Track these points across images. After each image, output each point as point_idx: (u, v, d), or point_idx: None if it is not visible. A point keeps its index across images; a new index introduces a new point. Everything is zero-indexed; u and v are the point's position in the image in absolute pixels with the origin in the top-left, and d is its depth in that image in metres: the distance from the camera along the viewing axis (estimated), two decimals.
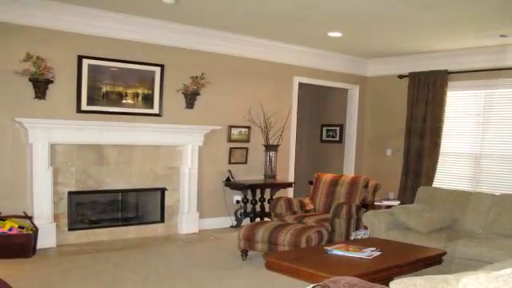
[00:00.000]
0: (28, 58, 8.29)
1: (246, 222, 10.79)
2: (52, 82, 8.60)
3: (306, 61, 12.14)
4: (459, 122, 11.87)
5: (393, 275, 5.47)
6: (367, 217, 8.15)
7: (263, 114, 11.23)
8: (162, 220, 10.11)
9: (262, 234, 7.89)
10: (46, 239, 8.50)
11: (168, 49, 9.94)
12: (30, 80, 8.40)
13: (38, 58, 8.36)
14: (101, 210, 9.78)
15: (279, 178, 11.60)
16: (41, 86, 8.46)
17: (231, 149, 11.00)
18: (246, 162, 11.30)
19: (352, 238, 8.53)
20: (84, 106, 9.00)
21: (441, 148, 11.88)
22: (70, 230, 9.02)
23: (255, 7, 8.48)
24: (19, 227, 8.04)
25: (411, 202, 9.75)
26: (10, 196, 8.41)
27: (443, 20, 8.85)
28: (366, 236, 8.23)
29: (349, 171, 13.43)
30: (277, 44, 11.32)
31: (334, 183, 9.80)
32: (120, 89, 9.38)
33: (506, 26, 9.02)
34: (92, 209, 9.68)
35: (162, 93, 9.87)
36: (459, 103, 11.90)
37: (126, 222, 9.90)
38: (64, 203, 8.92)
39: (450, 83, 11.74)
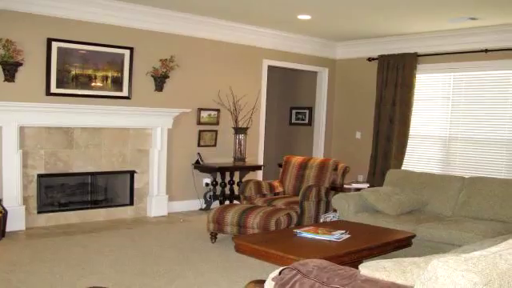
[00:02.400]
0: None
1: (216, 204, 10.83)
2: (21, 64, 8.55)
3: (275, 44, 12.15)
4: (428, 104, 11.96)
5: (362, 258, 5.50)
6: (336, 199, 8.17)
7: (232, 97, 11.23)
8: (132, 203, 10.12)
9: (231, 216, 7.93)
10: (15, 222, 8.47)
11: (137, 32, 9.91)
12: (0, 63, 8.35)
13: (7, 40, 8.30)
14: (70, 193, 9.76)
15: (248, 161, 11.63)
16: (10, 68, 8.41)
17: (200, 131, 11.01)
18: (215, 145, 11.32)
19: (321, 220, 8.59)
20: (53, 89, 8.96)
21: (410, 131, 11.96)
22: (39, 212, 9.00)
23: None
24: None
25: (380, 184, 9.83)
26: None
27: (413, 3, 8.89)
28: (336, 219, 8.28)
29: (318, 154, 13.49)
30: (246, 27, 11.32)
31: (304, 166, 9.84)
32: (89, 72, 9.34)
33: (475, 8, 9.08)
34: (61, 191, 9.65)
35: (131, 76, 9.85)
36: (428, 86, 11.99)
37: (96, 204, 9.89)
38: (33, 186, 8.89)
39: (419, 66, 11.82)
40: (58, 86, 9.00)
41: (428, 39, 11.54)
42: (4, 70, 8.41)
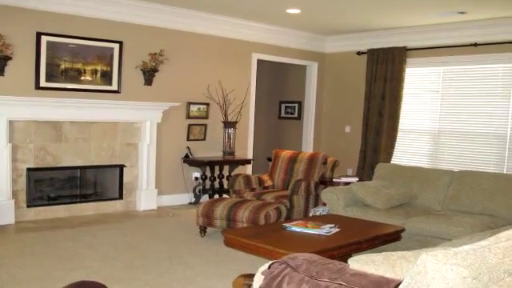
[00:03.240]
0: None
1: (205, 198, 10.84)
2: (11, 58, 8.54)
3: (264, 38, 12.16)
4: (418, 98, 12.00)
5: (351, 252, 5.49)
6: (326, 193, 8.17)
7: (222, 91, 11.24)
8: (121, 197, 10.13)
9: (220, 210, 7.95)
10: (5, 216, 8.48)
11: (127, 26, 9.90)
12: None
13: None
14: (59, 187, 9.74)
15: (238, 155, 11.64)
16: None
17: (190, 125, 11.01)
18: (204, 139, 11.32)
19: (311, 214, 8.59)
20: (43, 83, 8.94)
21: (399, 125, 11.98)
22: (28, 206, 9.00)
23: None
24: None
25: (370, 178, 9.85)
26: None
27: None
28: (325, 213, 8.27)
29: (307, 148, 13.52)
30: (235, 21, 11.32)
31: (293, 160, 9.85)
32: (79, 65, 9.33)
33: (464, 2, 9.10)
34: (51, 185, 9.64)
35: (120, 70, 9.84)
36: (418, 80, 12.02)
37: (85, 198, 9.89)
38: (23, 180, 8.89)
39: (408, 60, 11.85)
40: (47, 80, 8.98)
41: (417, 33, 11.56)
42: None
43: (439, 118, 11.60)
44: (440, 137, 11.60)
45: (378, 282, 3.16)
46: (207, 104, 11.18)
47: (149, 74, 10.15)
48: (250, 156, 12.27)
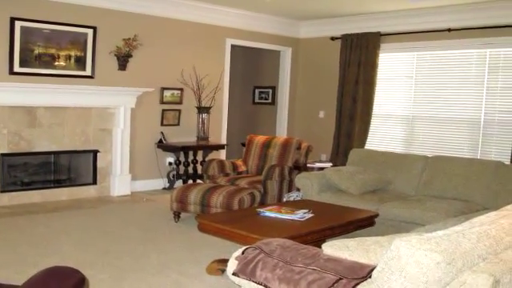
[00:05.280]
0: None
1: (179, 183, 10.85)
2: None
3: (238, 23, 12.15)
4: (392, 84, 12.06)
5: (325, 237, 5.53)
6: (300, 179, 8.19)
7: (196, 76, 11.22)
8: (95, 182, 10.11)
9: (194, 195, 7.96)
10: None
11: (101, 11, 9.84)
12: None
13: None
14: (33, 172, 9.70)
15: (212, 140, 11.66)
16: None
17: (164, 111, 11.00)
18: (178, 124, 11.32)
19: (284, 199, 8.62)
20: (17, 68, 8.89)
21: (373, 110, 12.03)
22: (2, 191, 8.96)
23: None
24: None
25: (344, 164, 9.89)
26: None
27: None
28: (299, 198, 8.29)
29: (281, 133, 13.54)
30: (209, 6, 11.29)
31: (267, 145, 9.88)
32: (53, 51, 9.28)
33: None
34: (24, 171, 9.60)
35: (94, 55, 9.79)
36: (392, 65, 12.07)
37: (59, 183, 9.86)
38: None
39: (382, 45, 11.88)
40: (21, 65, 8.93)
41: (391, 18, 11.58)
42: None
43: (413, 103, 11.66)
44: (414, 122, 11.66)
45: (351, 267, 3.20)
46: (181, 89, 11.17)
47: (123, 60, 10.12)
48: (224, 141, 12.28)
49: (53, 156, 9.80)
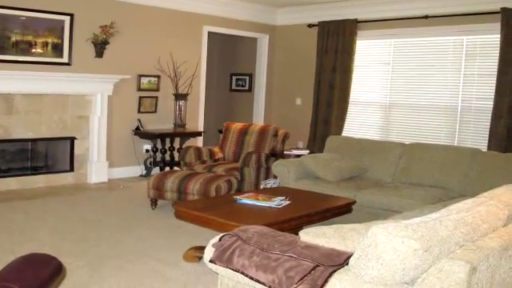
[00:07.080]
0: None
1: (156, 171, 10.86)
2: None
3: (215, 10, 12.13)
4: (369, 71, 12.09)
5: (302, 224, 5.55)
6: (277, 166, 8.22)
7: (173, 63, 11.20)
8: (72, 169, 10.09)
9: (171, 183, 7.98)
10: None
11: None
12: None
13: None
14: (10, 159, 9.66)
15: (189, 127, 11.65)
16: None
17: (141, 98, 10.99)
18: (155, 111, 11.30)
19: (262, 187, 8.63)
20: None
21: (350, 97, 12.05)
22: None
23: None
24: None
25: (321, 151, 9.92)
26: None
27: None
28: (276, 185, 8.31)
29: (258, 120, 13.55)
30: None
31: (244, 132, 9.89)
32: (29, 38, 9.22)
33: None
34: (1, 158, 9.54)
35: (71, 42, 9.74)
36: (369, 52, 12.11)
37: (36, 171, 9.83)
38: None
39: (359, 32, 11.88)
40: None
41: (368, 5, 11.60)
42: None
43: (390, 90, 11.70)
44: (391, 109, 11.71)
45: (328, 254, 3.23)
46: (158, 76, 11.16)
47: (100, 47, 10.08)
48: (201, 128, 12.28)
49: (30, 143, 9.78)
